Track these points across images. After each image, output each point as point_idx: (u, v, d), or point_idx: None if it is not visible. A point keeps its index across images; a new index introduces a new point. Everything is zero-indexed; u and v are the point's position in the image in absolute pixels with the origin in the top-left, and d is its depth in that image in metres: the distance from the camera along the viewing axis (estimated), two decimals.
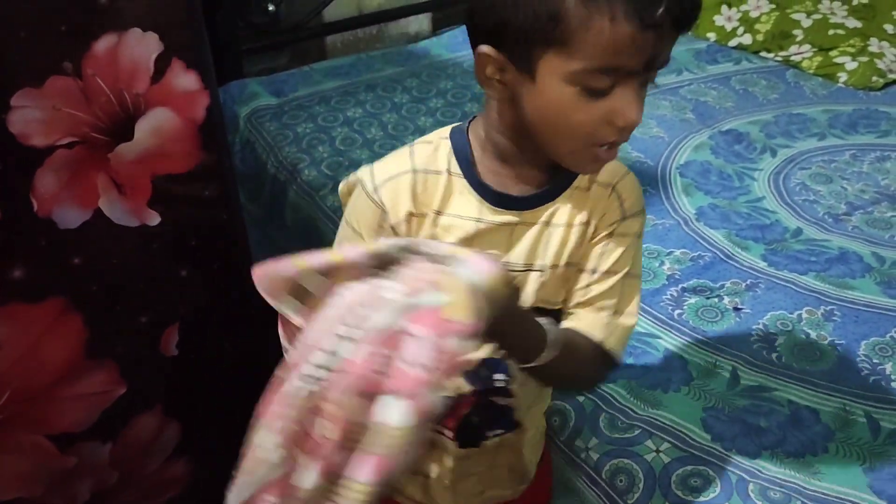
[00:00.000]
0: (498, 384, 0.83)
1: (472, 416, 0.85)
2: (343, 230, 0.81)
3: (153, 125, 1.12)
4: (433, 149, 0.79)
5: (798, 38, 2.09)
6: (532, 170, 0.77)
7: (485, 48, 0.70)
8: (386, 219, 0.77)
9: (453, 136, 0.79)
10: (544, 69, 0.68)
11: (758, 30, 2.16)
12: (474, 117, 0.81)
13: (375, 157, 1.74)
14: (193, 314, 1.27)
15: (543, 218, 0.78)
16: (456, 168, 0.77)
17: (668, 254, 1.39)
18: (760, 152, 1.72)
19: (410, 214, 0.77)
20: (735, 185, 1.60)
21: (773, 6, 2.18)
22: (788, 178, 1.63)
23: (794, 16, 2.14)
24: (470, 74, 2.05)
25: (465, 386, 0.83)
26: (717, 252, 1.40)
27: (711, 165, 1.67)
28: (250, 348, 1.31)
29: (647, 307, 1.27)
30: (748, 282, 1.33)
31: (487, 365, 0.82)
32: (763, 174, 1.65)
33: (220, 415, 1.30)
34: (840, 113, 1.87)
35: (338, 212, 1.56)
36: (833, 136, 1.78)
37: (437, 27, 2.34)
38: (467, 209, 0.77)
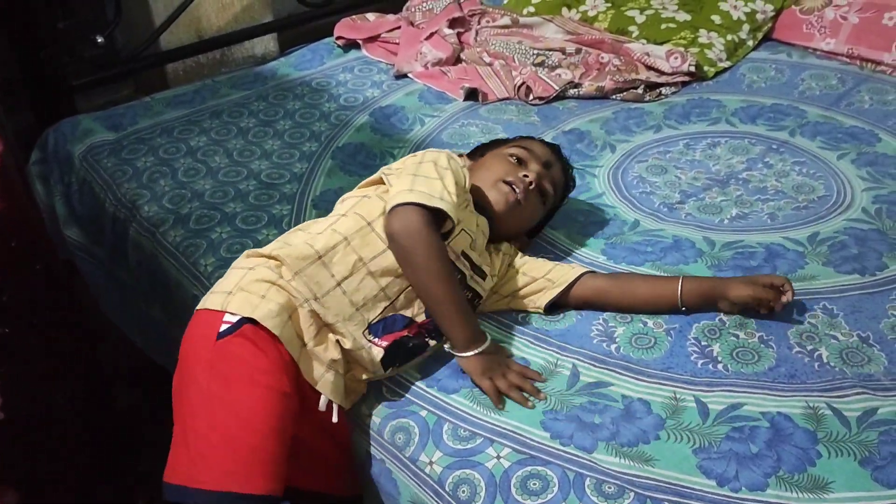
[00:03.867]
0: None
1: (407, 340, 1.16)
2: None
3: None
4: None
5: (634, 34, 2.17)
6: None
7: None
8: None
9: None
10: None
11: (597, 28, 2.22)
12: None
13: (220, 185, 1.76)
14: (17, 373, 1.20)
15: None
16: None
17: None
18: (601, 149, 1.77)
19: None
20: (577, 182, 1.64)
21: (609, 5, 2.26)
22: (626, 173, 1.68)
23: (629, 13, 2.22)
24: (319, 93, 2.04)
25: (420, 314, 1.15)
26: (558, 251, 1.43)
27: None
28: (86, 402, 1.25)
29: (495, 314, 1.29)
30: None
31: None
32: (603, 171, 1.69)
33: (62, 474, 1.23)
34: (675, 104, 1.95)
35: (179, 247, 1.51)
36: (668, 127, 1.86)
37: (285, 47, 2.31)
38: None
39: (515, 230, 1.35)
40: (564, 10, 2.31)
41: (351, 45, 2.26)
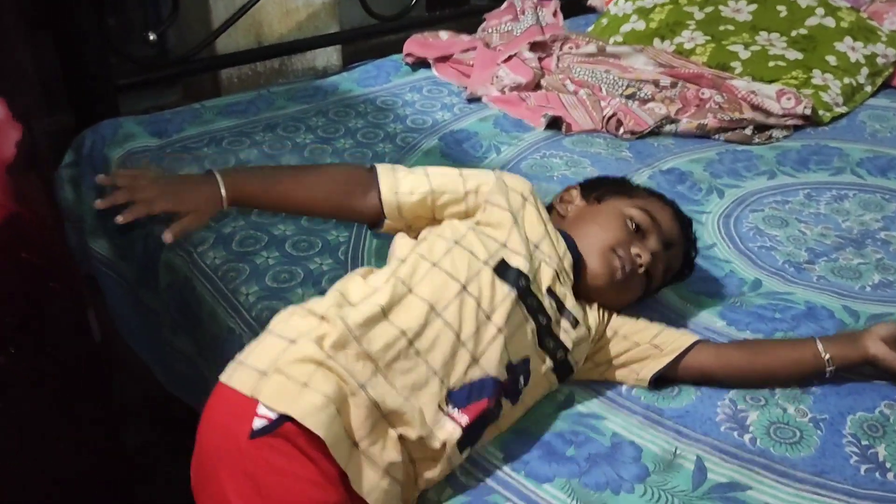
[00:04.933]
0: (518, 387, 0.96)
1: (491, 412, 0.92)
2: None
3: None
4: None
5: (737, 71, 1.94)
6: None
7: None
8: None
9: None
10: None
11: (694, 62, 2.00)
12: None
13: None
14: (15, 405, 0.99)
15: None
16: None
17: None
18: (706, 193, 1.54)
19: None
20: None
21: (709, 38, 2.04)
22: (740, 222, 1.44)
23: (732, 47, 1.99)
24: (383, 112, 1.83)
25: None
26: (665, 312, 1.19)
27: None
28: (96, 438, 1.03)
29: (591, 383, 1.05)
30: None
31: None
32: (711, 218, 1.46)
33: None
34: (788, 149, 1.71)
35: (218, 271, 1.30)
36: (783, 174, 1.62)
37: (349, 61, 2.12)
38: None
39: (601, 302, 1.09)
40: (657, 42, 2.10)
41: (420, 63, 2.06)
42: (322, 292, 1.23)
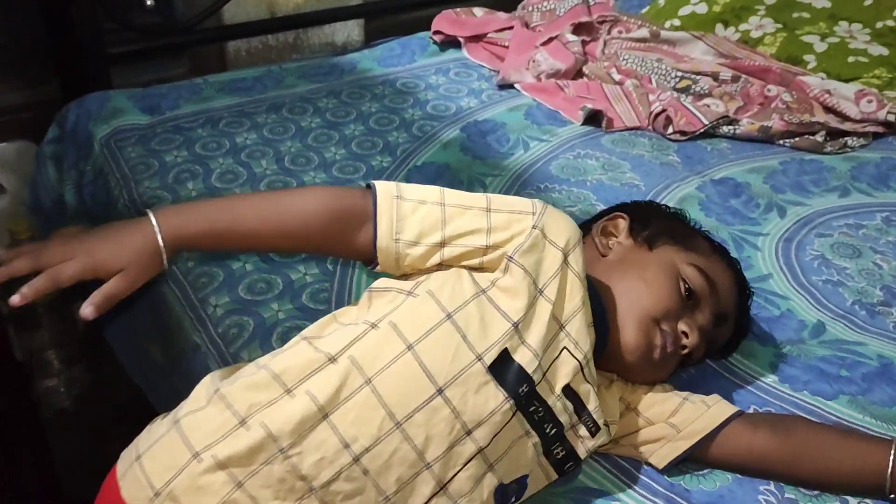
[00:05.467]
0: None
1: None
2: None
3: None
4: None
5: (810, 66, 1.70)
6: None
7: None
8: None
9: None
10: None
11: (761, 53, 1.76)
12: None
13: None
14: None
15: None
16: None
17: None
18: (765, 211, 1.31)
19: None
20: (734, 255, 1.19)
21: (780, 26, 1.79)
22: (802, 249, 1.22)
23: (806, 38, 1.74)
24: (403, 95, 1.64)
25: None
26: (707, 362, 0.98)
27: (700, 226, 1.25)
28: None
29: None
30: (751, 408, 0.91)
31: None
32: (768, 241, 1.24)
33: None
34: (865, 161, 1.47)
35: (189, 276, 1.14)
36: (858, 191, 1.38)
37: (372, 38, 1.93)
38: None
39: (623, 376, 0.87)
40: (719, 28, 1.86)
41: (450, 42, 1.86)
42: (300, 310, 1.06)
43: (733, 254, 1.17)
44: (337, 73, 1.72)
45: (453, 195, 0.77)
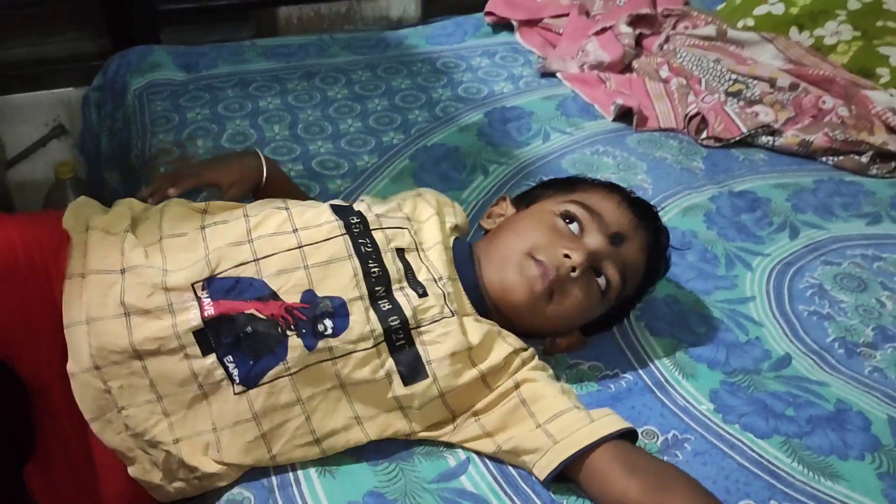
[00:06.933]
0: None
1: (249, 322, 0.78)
2: None
3: None
4: None
5: (883, 80, 1.54)
6: None
7: None
8: None
9: None
10: None
11: (831, 62, 1.62)
12: None
13: None
14: None
15: None
16: None
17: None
18: (776, 230, 1.21)
19: None
20: (718, 272, 1.11)
21: (858, 34, 1.64)
22: (800, 275, 1.11)
23: (883, 49, 1.58)
24: (438, 74, 1.63)
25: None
26: (642, 376, 0.92)
27: (696, 238, 1.17)
28: None
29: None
30: (671, 433, 0.85)
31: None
32: (765, 263, 1.14)
33: None
34: None
35: None
36: (892, 220, 1.25)
37: (429, 15, 1.91)
38: None
39: (538, 330, 0.88)
40: (793, 32, 1.72)
41: (503, 24, 1.82)
42: None
43: (720, 273, 1.10)
44: (382, 48, 1.72)
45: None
